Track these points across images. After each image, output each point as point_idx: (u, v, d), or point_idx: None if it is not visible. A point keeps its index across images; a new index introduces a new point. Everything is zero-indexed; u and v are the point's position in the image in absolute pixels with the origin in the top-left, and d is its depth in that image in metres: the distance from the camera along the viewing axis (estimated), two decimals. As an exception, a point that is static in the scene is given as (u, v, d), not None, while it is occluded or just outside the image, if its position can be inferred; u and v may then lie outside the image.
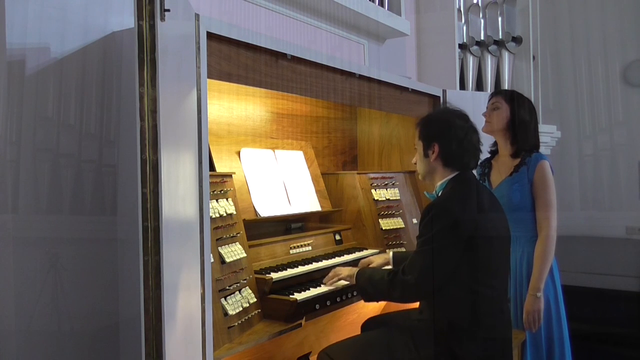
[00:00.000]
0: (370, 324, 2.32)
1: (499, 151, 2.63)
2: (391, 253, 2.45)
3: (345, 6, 3.01)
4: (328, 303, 2.18)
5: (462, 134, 1.99)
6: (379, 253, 2.65)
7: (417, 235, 1.99)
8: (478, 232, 1.89)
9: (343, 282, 2.20)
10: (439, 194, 2.02)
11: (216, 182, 2.04)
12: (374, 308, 2.70)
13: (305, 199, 2.65)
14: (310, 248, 2.48)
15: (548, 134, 4.40)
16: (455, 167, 2.01)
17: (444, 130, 2.01)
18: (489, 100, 2.61)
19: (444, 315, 1.91)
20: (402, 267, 1.94)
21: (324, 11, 3.06)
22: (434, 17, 4.12)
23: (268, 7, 2.75)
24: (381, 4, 3.40)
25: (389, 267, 2.40)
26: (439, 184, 2.03)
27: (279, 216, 2.46)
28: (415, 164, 2.13)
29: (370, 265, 2.41)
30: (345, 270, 2.17)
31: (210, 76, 1.71)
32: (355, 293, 2.24)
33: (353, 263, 2.48)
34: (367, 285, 2.06)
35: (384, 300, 2.21)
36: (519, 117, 2.51)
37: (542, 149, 3.72)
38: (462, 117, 2.04)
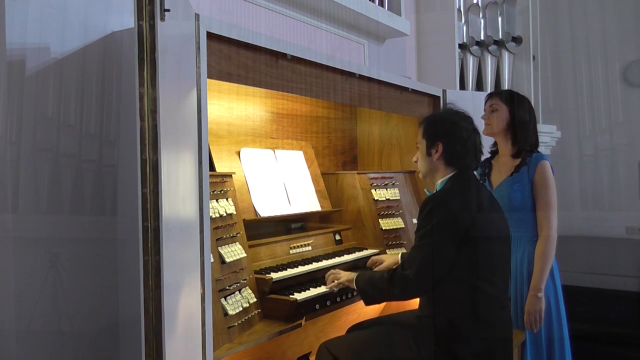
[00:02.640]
0: (359, 327, 2.32)
1: (499, 151, 2.63)
2: (400, 254, 2.45)
3: (345, 6, 3.01)
4: (328, 303, 2.18)
5: (466, 135, 2.02)
6: (379, 253, 2.66)
7: (415, 230, 1.99)
8: (477, 228, 1.90)
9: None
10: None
11: (216, 182, 2.04)
12: (373, 308, 2.70)
13: (305, 199, 2.65)
14: (310, 248, 2.48)
15: (548, 134, 4.40)
16: (457, 166, 2.02)
17: (449, 130, 2.03)
18: (485, 102, 2.60)
19: (445, 312, 1.91)
20: (401, 263, 1.95)
21: (324, 11, 3.06)
22: (434, 17, 4.12)
23: (268, 7, 2.75)
24: (381, 4, 3.40)
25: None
26: (439, 182, 2.04)
27: (279, 216, 2.46)
28: (416, 162, 2.13)
29: (381, 266, 2.40)
30: (345, 275, 2.16)
31: (210, 76, 1.71)
32: (355, 293, 2.24)
33: (353, 263, 2.48)
34: (367, 287, 2.05)
35: (385, 300, 2.20)
36: (518, 117, 2.51)
37: (542, 149, 3.73)
38: (466, 118, 2.07)
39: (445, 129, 2.04)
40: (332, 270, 2.22)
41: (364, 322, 2.34)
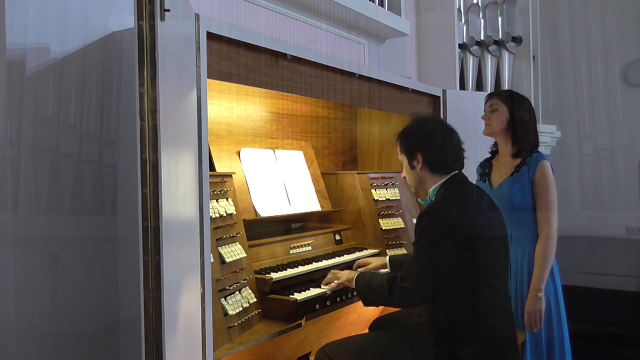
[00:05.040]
0: (377, 324, 2.33)
1: (499, 151, 2.63)
2: (388, 257, 2.45)
3: (345, 6, 3.01)
4: (328, 303, 2.18)
5: (440, 137, 2.01)
6: (378, 253, 2.66)
7: (413, 241, 1.99)
8: (476, 233, 1.89)
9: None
10: (433, 200, 2.02)
11: (216, 182, 2.04)
12: (374, 308, 2.70)
13: (305, 199, 2.65)
14: (310, 248, 2.48)
15: (548, 134, 4.40)
16: (443, 171, 2.01)
17: (422, 138, 2.03)
18: (485, 103, 2.60)
19: (446, 317, 1.90)
20: (400, 274, 1.94)
21: (324, 11, 3.06)
22: (434, 17, 4.12)
23: (268, 7, 2.75)
24: (381, 4, 3.40)
25: (387, 270, 2.40)
26: (430, 190, 2.04)
27: (279, 216, 2.46)
28: (405, 178, 2.14)
29: (367, 267, 2.41)
30: (344, 274, 2.17)
31: (210, 76, 1.71)
32: (355, 293, 2.24)
33: (352, 263, 2.48)
34: (366, 290, 2.06)
35: (383, 305, 2.20)
36: (518, 117, 2.51)
37: (542, 149, 3.73)
38: (435, 120, 2.06)
39: (419, 138, 2.03)
40: (333, 271, 2.23)
41: (383, 318, 2.35)
